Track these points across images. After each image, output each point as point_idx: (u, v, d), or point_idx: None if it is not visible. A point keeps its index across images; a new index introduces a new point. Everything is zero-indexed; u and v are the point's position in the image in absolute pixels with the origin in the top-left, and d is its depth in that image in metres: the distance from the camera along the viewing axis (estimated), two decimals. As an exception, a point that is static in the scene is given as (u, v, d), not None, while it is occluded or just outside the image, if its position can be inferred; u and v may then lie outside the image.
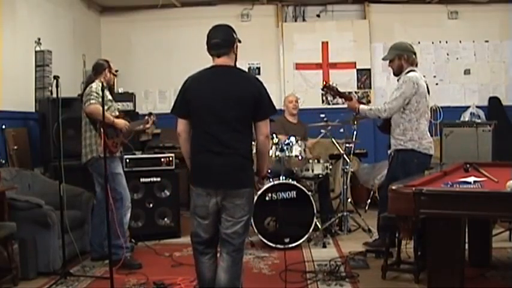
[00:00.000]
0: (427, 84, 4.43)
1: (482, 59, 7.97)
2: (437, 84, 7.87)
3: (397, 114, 4.33)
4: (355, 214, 5.90)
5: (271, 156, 5.11)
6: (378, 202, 6.34)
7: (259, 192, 4.78)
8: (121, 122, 4.46)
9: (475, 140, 5.93)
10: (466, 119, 7.53)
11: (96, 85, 4.34)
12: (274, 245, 4.89)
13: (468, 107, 7.81)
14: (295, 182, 5.07)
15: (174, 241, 5.33)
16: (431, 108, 4.67)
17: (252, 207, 3.07)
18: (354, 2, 8.05)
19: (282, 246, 4.84)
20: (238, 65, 3.13)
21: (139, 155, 5.67)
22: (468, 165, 3.96)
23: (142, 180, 5.38)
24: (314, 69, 7.96)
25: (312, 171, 5.33)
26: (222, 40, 3.01)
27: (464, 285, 3.00)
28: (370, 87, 7.96)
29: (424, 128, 4.33)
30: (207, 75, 3.04)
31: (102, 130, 4.06)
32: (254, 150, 3.09)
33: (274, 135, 5.17)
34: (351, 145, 5.64)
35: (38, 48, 5.87)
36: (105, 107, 4.06)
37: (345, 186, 5.62)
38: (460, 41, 7.97)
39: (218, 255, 3.11)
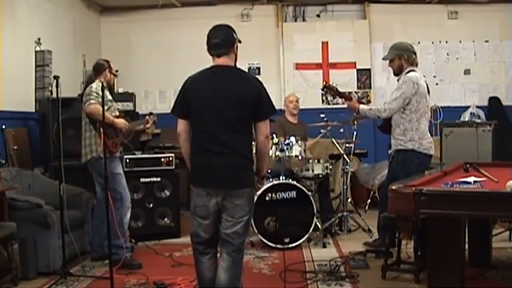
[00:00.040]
0: (427, 84, 4.43)
1: (482, 59, 7.97)
2: (437, 84, 7.87)
3: (397, 114, 4.33)
4: (355, 214, 5.90)
5: (271, 156, 5.12)
6: (378, 202, 6.36)
7: (259, 192, 4.78)
8: (121, 122, 4.46)
9: (475, 140, 5.93)
10: (466, 119, 7.53)
11: (96, 85, 4.34)
12: (274, 245, 4.89)
13: (468, 107, 7.81)
14: (295, 182, 5.07)
15: (174, 241, 5.33)
16: (431, 108, 4.67)
17: (252, 207, 3.07)
18: (354, 2, 8.05)
19: (282, 246, 4.84)
20: (238, 65, 3.13)
21: (139, 155, 5.67)
22: (468, 165, 3.96)
23: (142, 180, 5.38)
24: (314, 69, 7.96)
25: (312, 171, 5.33)
26: (222, 40, 3.02)
27: (464, 285, 3.00)
28: (370, 87, 7.96)
29: (424, 128, 4.33)
30: (207, 75, 3.04)
31: (101, 130, 4.05)
32: (254, 150, 3.09)
33: (274, 135, 5.18)
34: (351, 145, 5.64)
35: (38, 48, 5.87)
36: (105, 107, 4.06)
37: (345, 186, 5.62)
38: (460, 41, 7.98)
39: (218, 255, 3.11)
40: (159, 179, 5.44)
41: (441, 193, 2.87)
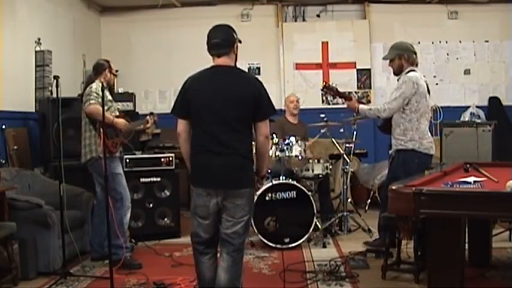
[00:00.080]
0: (427, 84, 4.42)
1: (482, 59, 7.97)
2: (437, 84, 7.87)
3: (397, 114, 4.32)
4: (355, 214, 5.90)
5: (271, 156, 5.12)
6: (378, 202, 6.36)
7: (259, 192, 4.78)
8: (121, 122, 4.46)
9: (475, 140, 5.94)
10: (466, 119, 7.53)
11: (96, 85, 4.34)
12: (274, 245, 4.89)
13: (468, 107, 7.81)
14: (295, 182, 5.07)
15: (174, 241, 5.33)
16: (431, 108, 4.67)
17: (252, 207, 3.07)
18: (354, 2, 8.05)
19: (282, 246, 4.84)
20: (238, 65, 3.13)
21: (139, 155, 5.67)
22: (468, 165, 3.96)
23: (142, 180, 5.38)
24: (314, 69, 7.97)
25: (312, 171, 5.33)
26: (222, 40, 3.02)
27: (464, 285, 3.00)
28: (370, 87, 7.96)
29: (424, 128, 4.33)
30: (207, 75, 3.04)
31: (101, 130, 4.05)
32: (254, 150, 3.09)
33: (274, 135, 5.18)
34: (351, 145, 5.64)
35: (38, 48, 5.88)
36: (105, 107, 4.05)
37: (345, 186, 5.62)
38: (460, 41, 7.98)
39: (218, 255, 3.11)
40: (159, 179, 5.44)
41: (441, 193, 2.87)
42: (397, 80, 4.45)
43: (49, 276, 4.13)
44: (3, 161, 5.01)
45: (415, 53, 4.45)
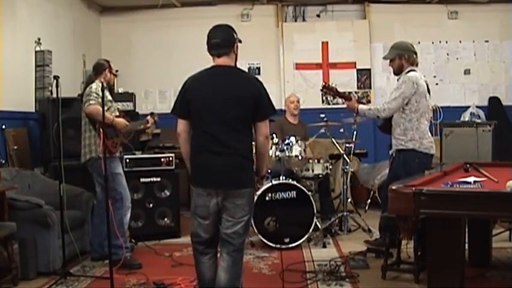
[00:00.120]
0: (427, 84, 4.42)
1: (482, 59, 7.98)
2: (437, 84, 7.87)
3: (397, 114, 4.33)
4: (355, 214, 5.89)
5: (271, 156, 5.12)
6: (378, 202, 6.36)
7: (259, 192, 4.78)
8: (121, 122, 4.46)
9: (475, 140, 5.93)
10: (466, 119, 7.54)
11: (96, 85, 4.34)
12: (274, 245, 4.89)
13: (468, 107, 7.82)
14: (295, 182, 5.07)
15: (174, 241, 5.33)
16: (431, 108, 4.67)
17: (252, 208, 3.07)
18: (354, 2, 8.05)
19: (282, 246, 4.84)
20: (238, 65, 3.13)
21: (139, 155, 5.67)
22: (468, 165, 3.96)
23: (142, 180, 5.38)
24: (314, 69, 7.97)
25: (312, 171, 5.33)
26: (222, 40, 3.02)
27: (464, 285, 3.00)
28: (370, 87, 7.96)
29: (424, 127, 4.33)
30: (207, 75, 3.04)
31: (101, 130, 4.05)
32: (254, 150, 3.09)
33: (274, 136, 5.18)
34: (351, 145, 5.64)
35: (38, 48, 5.88)
36: (105, 108, 4.05)
37: (345, 186, 5.62)
38: (460, 41, 7.98)
39: (218, 255, 3.11)
40: (159, 179, 5.44)
41: (441, 193, 2.87)
42: (397, 80, 4.45)
43: (49, 276, 4.13)
44: (3, 161, 5.01)
45: (416, 53, 4.45)
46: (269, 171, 5.07)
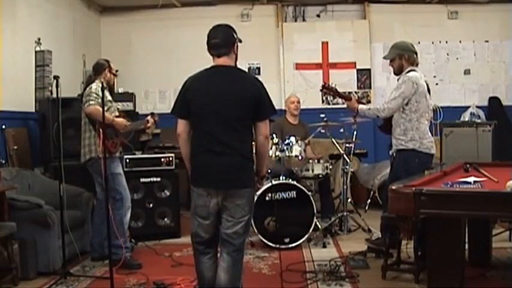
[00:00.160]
0: (427, 84, 4.42)
1: (482, 59, 7.98)
2: (437, 84, 7.87)
3: (397, 114, 4.32)
4: (355, 214, 5.89)
5: (271, 156, 5.12)
6: (378, 202, 6.37)
7: (259, 192, 4.78)
8: (121, 123, 4.46)
9: (475, 140, 5.94)
10: (466, 119, 7.54)
11: (96, 86, 4.34)
12: (274, 245, 4.89)
13: (468, 107, 7.82)
14: (295, 182, 5.06)
15: (174, 241, 5.33)
16: (431, 108, 4.68)
17: (252, 208, 3.07)
18: (354, 2, 8.05)
19: (282, 246, 4.84)
20: (238, 65, 3.13)
21: (139, 155, 5.67)
22: (468, 165, 3.96)
23: (142, 180, 5.38)
24: (314, 69, 7.97)
25: (312, 171, 5.33)
26: (222, 40, 3.02)
27: (464, 285, 3.00)
28: (370, 87, 7.96)
29: (424, 127, 4.32)
30: (207, 75, 3.04)
31: (101, 131, 4.05)
32: (254, 150, 3.09)
33: (274, 135, 5.18)
34: (351, 145, 5.64)
35: (38, 48, 5.87)
36: (105, 108, 4.05)
37: (345, 186, 5.62)
38: (460, 41, 7.98)
39: (218, 255, 3.11)
40: (159, 179, 5.44)
41: (441, 193, 2.87)
42: (397, 80, 4.45)
43: (49, 276, 4.13)
44: (3, 161, 5.01)
45: (416, 53, 4.44)
46: (269, 171, 5.07)
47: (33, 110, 5.77)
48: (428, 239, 3.08)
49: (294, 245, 4.93)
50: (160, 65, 7.98)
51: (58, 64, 6.04)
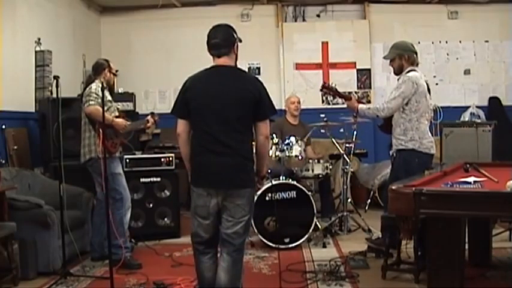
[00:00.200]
0: (427, 84, 4.42)
1: (482, 59, 7.98)
2: (437, 84, 7.87)
3: (397, 114, 4.32)
4: (355, 214, 5.89)
5: (271, 156, 5.12)
6: (378, 202, 6.37)
7: (259, 192, 4.78)
8: (121, 122, 4.46)
9: (475, 140, 5.93)
10: (466, 119, 7.53)
11: (95, 86, 4.34)
12: (274, 245, 4.89)
13: (468, 107, 7.82)
14: (295, 182, 5.06)
15: (174, 241, 5.33)
16: (431, 108, 4.68)
17: (252, 208, 3.07)
18: (354, 2, 8.05)
19: (282, 246, 4.84)
20: (238, 65, 3.13)
21: (139, 155, 5.67)
22: (468, 165, 3.96)
23: (142, 180, 5.38)
24: (314, 69, 7.97)
25: (312, 171, 5.33)
26: (222, 40, 3.02)
27: (464, 285, 3.00)
28: (370, 87, 7.96)
29: (424, 127, 4.32)
30: (207, 75, 3.04)
31: (100, 131, 4.05)
32: (254, 150, 3.09)
33: (274, 136, 5.17)
34: (351, 145, 5.64)
35: (38, 48, 5.88)
36: (105, 108, 4.05)
37: (345, 186, 5.62)
38: (460, 41, 7.98)
39: (218, 255, 3.11)
40: (159, 179, 5.44)
41: (441, 193, 2.87)
42: (397, 79, 4.45)
43: (49, 276, 4.13)
44: (3, 161, 5.01)
45: (416, 53, 4.44)
46: (269, 171, 5.07)
47: (33, 110, 5.78)
48: (428, 239, 3.08)
49: (294, 245, 4.93)
50: (160, 65, 7.98)
51: (58, 64, 6.04)
